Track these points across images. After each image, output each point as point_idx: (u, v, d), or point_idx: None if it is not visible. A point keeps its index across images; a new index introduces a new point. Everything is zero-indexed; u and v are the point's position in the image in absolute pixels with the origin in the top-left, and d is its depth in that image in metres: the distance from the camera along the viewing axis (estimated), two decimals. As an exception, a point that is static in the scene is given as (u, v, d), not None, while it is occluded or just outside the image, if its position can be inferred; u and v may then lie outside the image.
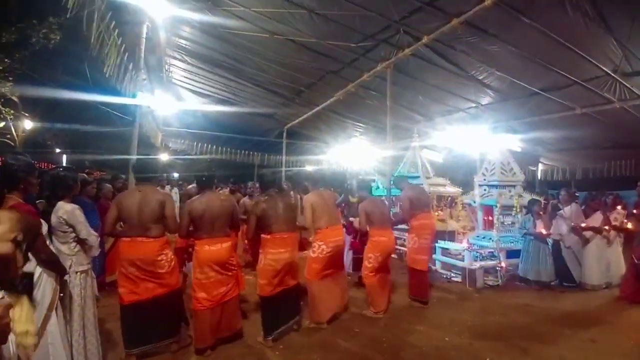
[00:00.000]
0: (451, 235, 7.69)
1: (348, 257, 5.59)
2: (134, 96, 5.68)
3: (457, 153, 10.48)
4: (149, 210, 3.17)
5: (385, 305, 4.46)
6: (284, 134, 12.95)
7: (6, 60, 10.75)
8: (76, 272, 2.69)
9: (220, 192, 5.80)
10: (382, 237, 4.46)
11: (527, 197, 6.55)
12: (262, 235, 3.74)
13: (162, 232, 3.28)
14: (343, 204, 6.21)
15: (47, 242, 2.36)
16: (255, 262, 4.48)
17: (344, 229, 5.02)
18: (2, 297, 0.85)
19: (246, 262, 6.33)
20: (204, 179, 3.73)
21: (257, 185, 6.75)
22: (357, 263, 5.41)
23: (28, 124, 14.55)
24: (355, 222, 5.26)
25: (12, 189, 2.23)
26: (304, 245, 4.44)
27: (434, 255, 6.55)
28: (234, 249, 3.81)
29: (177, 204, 7.50)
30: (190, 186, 9.54)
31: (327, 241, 4.06)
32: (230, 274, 3.51)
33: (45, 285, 2.29)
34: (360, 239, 5.48)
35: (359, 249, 5.24)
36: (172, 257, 3.40)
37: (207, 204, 3.44)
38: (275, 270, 3.62)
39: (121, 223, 3.30)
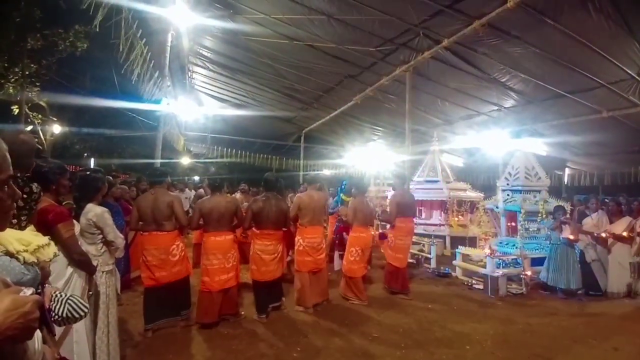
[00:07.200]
0: (472, 241, 7.51)
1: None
2: (158, 102, 5.85)
3: (478, 157, 10.27)
4: (160, 210, 3.77)
5: (364, 296, 4.89)
6: (302, 138, 13.04)
7: (32, 65, 10.92)
8: (102, 272, 2.78)
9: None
10: (362, 234, 5.00)
11: (553, 202, 6.34)
12: (253, 229, 4.37)
13: (174, 227, 3.85)
14: (337, 208, 6.67)
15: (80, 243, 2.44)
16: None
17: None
18: (32, 293, 0.88)
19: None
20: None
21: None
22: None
23: (56, 129, 15.01)
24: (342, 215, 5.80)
25: (44, 190, 2.21)
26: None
27: (453, 262, 6.49)
28: (236, 243, 4.29)
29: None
30: (200, 189, 10.64)
31: (304, 237, 4.64)
32: (230, 265, 4.04)
33: (75, 284, 2.35)
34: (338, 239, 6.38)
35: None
36: (183, 248, 3.94)
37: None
38: (261, 259, 4.25)
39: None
